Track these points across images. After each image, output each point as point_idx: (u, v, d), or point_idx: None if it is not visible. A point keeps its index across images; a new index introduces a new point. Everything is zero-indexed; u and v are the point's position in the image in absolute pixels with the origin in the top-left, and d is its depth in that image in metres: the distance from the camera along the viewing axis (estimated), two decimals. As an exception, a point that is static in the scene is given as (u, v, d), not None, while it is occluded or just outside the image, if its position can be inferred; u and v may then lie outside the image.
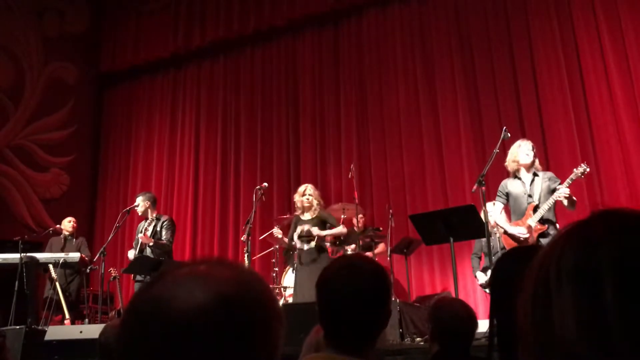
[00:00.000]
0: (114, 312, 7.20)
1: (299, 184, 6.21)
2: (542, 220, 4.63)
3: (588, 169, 4.71)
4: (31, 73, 9.60)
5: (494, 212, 4.92)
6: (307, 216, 5.70)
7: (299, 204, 5.76)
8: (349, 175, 6.38)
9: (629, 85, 6.35)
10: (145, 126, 9.79)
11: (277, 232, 5.87)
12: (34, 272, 6.51)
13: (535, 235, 4.63)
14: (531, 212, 4.67)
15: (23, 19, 9.60)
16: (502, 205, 4.90)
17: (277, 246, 6.98)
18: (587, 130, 6.54)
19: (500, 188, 4.93)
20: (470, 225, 4.47)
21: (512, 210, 4.83)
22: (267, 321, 0.64)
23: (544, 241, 4.59)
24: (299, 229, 5.62)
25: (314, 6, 8.39)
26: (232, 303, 0.61)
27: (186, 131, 9.37)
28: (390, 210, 6.59)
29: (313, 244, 5.52)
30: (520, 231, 4.65)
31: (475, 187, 4.65)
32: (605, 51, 6.55)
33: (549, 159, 6.49)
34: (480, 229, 4.47)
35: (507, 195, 4.84)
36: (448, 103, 7.40)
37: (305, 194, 5.71)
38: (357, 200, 6.16)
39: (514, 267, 1.27)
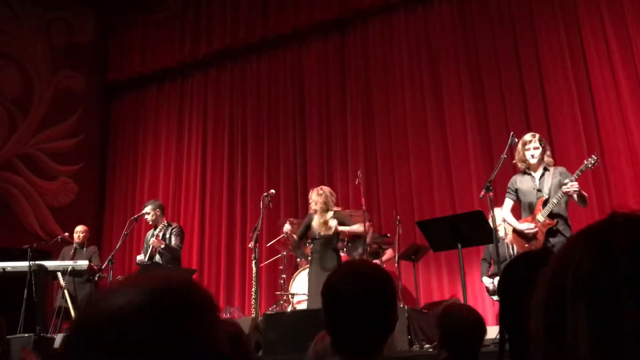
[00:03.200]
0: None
1: (306, 191, 6.21)
2: (551, 215, 4.52)
3: (598, 159, 4.61)
4: (39, 82, 9.67)
5: (504, 209, 4.80)
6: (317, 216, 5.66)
7: (312, 204, 5.74)
8: (356, 182, 6.38)
9: (636, 85, 6.32)
10: (153, 134, 9.84)
11: (287, 227, 5.83)
12: (43, 280, 6.54)
13: (544, 230, 4.51)
14: (540, 207, 4.57)
15: (31, 29, 9.68)
16: (512, 202, 4.80)
17: (284, 253, 6.97)
18: (595, 134, 6.51)
19: (509, 184, 4.83)
20: (478, 231, 4.45)
21: (522, 206, 4.75)
22: (198, 313, 0.67)
23: (553, 240, 4.49)
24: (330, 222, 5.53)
25: (320, 14, 8.41)
26: (162, 296, 0.65)
27: (193, 139, 9.40)
28: (398, 217, 6.57)
29: (332, 224, 5.47)
30: (528, 226, 4.55)
31: (482, 192, 4.62)
32: (612, 50, 6.53)
33: (557, 162, 6.46)
34: (488, 234, 4.45)
35: (517, 191, 4.75)
36: (454, 109, 7.39)
37: (311, 198, 5.69)
38: (364, 207, 6.15)
39: (522, 273, 1.26)
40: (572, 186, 4.37)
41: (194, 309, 0.66)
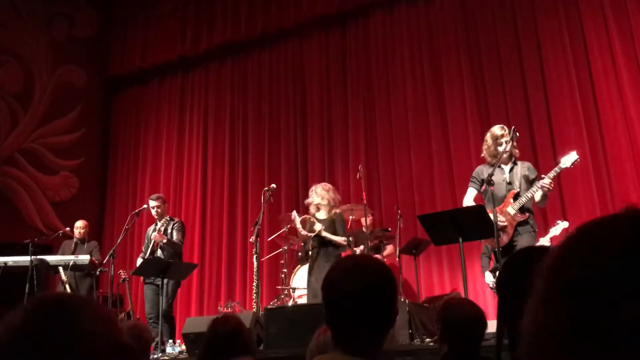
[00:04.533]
0: (123, 314, 7.23)
1: (306, 185, 6.21)
2: (522, 209, 4.47)
3: (578, 158, 4.51)
4: (40, 77, 9.67)
5: (466, 199, 4.70)
6: (321, 214, 5.65)
7: (311, 200, 5.70)
8: (357, 176, 6.37)
9: (637, 76, 6.31)
10: (154, 129, 9.84)
11: (294, 215, 5.70)
12: (45, 275, 6.56)
13: (514, 223, 4.46)
14: (511, 200, 4.49)
15: (32, 24, 9.67)
16: (476, 192, 4.70)
17: (285, 247, 6.98)
18: (596, 126, 6.50)
19: (474, 173, 4.74)
20: (479, 225, 4.43)
21: (488, 197, 4.61)
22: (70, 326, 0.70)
23: (521, 229, 4.47)
24: (315, 225, 5.50)
25: (321, 8, 8.39)
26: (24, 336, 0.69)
27: (194, 134, 9.40)
28: (399, 211, 6.57)
29: (312, 235, 5.45)
30: (499, 219, 4.43)
31: (484, 187, 4.61)
32: (613, 42, 6.51)
33: (557, 158, 6.45)
34: (489, 229, 4.43)
35: (482, 181, 4.63)
36: (456, 103, 7.38)
37: (310, 196, 5.67)
38: (365, 201, 6.15)
39: (522, 268, 1.26)
40: (550, 184, 4.35)
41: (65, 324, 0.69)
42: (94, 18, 10.32)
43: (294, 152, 8.44)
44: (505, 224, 4.48)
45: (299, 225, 5.59)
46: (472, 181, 4.77)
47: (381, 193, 7.63)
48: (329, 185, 5.82)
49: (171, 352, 5.63)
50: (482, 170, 4.72)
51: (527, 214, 4.48)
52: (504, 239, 4.51)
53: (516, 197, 4.51)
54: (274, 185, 6.23)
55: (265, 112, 8.84)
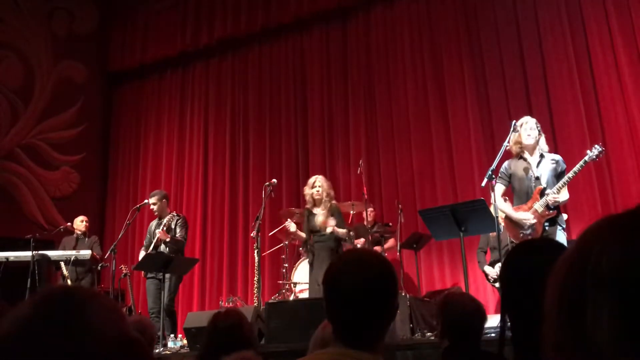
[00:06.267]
0: (125, 309, 7.25)
1: (307, 180, 6.19)
2: (549, 206, 4.33)
3: (604, 150, 4.39)
4: (41, 72, 9.66)
5: (494, 195, 4.48)
6: (318, 210, 5.66)
7: (308, 197, 5.71)
8: (358, 171, 6.37)
9: (639, 72, 6.30)
10: (154, 124, 9.83)
11: (289, 224, 5.81)
12: (46, 270, 6.57)
13: (542, 220, 4.32)
14: (538, 196, 4.35)
15: (32, 19, 9.65)
16: (504, 188, 4.56)
17: (286, 242, 6.99)
18: (597, 123, 6.49)
19: (502, 168, 4.59)
20: (480, 219, 4.43)
21: (516, 193, 4.52)
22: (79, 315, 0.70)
23: (549, 229, 4.32)
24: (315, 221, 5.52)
25: (322, 2, 8.37)
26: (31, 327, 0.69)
27: (195, 129, 9.40)
28: (400, 206, 6.58)
29: (329, 229, 5.42)
30: (526, 217, 4.33)
31: (485, 181, 4.59)
32: (614, 38, 6.49)
33: (558, 152, 6.45)
34: (490, 223, 4.42)
35: (511, 176, 4.53)
36: (457, 98, 7.37)
37: (315, 186, 5.65)
38: (366, 196, 6.15)
39: (525, 260, 1.26)
40: (554, 199, 4.27)
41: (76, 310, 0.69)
42: (94, 13, 10.30)
43: (294, 146, 8.43)
44: (534, 221, 4.32)
45: (294, 229, 5.79)
46: (499, 177, 4.59)
47: (382, 188, 7.63)
48: (326, 180, 5.85)
49: (173, 346, 5.64)
50: (510, 165, 4.58)
51: (555, 211, 4.32)
52: (533, 235, 4.33)
53: (542, 193, 4.35)
54: (274, 180, 6.22)
55: (266, 107, 8.83)
